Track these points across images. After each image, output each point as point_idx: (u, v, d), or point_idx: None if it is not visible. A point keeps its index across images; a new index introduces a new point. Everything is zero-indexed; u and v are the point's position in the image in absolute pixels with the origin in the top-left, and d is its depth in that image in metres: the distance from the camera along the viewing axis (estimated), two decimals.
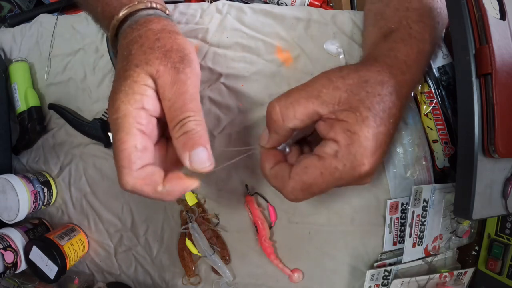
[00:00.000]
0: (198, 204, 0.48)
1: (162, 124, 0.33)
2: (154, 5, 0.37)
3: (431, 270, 0.45)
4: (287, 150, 0.36)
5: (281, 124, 0.32)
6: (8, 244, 0.47)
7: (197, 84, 0.33)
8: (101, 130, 0.48)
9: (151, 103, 0.31)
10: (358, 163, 0.30)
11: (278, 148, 0.35)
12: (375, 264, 0.44)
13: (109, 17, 0.37)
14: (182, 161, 0.30)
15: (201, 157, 0.30)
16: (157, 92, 0.32)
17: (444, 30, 0.42)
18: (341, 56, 0.44)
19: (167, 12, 0.38)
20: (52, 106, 0.51)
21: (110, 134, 0.48)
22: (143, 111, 0.31)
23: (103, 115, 0.49)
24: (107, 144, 0.48)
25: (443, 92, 0.41)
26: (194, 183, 0.31)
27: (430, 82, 0.41)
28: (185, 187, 0.31)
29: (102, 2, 0.38)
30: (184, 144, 0.30)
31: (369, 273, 0.43)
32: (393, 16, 0.37)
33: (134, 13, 0.36)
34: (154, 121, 0.32)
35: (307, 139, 0.38)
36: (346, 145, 0.30)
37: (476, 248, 0.47)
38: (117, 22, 0.36)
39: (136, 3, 0.36)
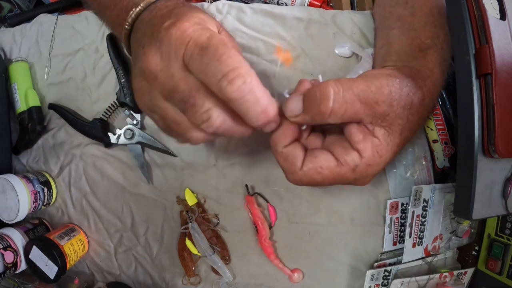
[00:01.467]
0: (198, 204, 0.48)
1: None
2: None
3: (431, 270, 0.45)
4: (304, 127, 0.34)
5: (325, 117, 0.30)
6: (8, 244, 0.47)
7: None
8: (101, 130, 0.48)
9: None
10: (367, 180, 0.32)
11: None
12: (375, 264, 0.44)
13: (127, 8, 0.36)
14: None
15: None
16: None
17: None
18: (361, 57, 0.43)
19: None
20: (52, 106, 0.51)
21: (110, 134, 0.48)
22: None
23: (103, 115, 0.49)
24: (107, 144, 0.48)
25: (443, 92, 0.41)
26: None
27: None
28: None
29: None
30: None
31: (369, 273, 0.43)
32: (423, 30, 0.37)
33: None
34: None
35: None
36: (367, 165, 0.31)
37: (476, 248, 0.47)
38: (141, 10, 0.34)
39: None
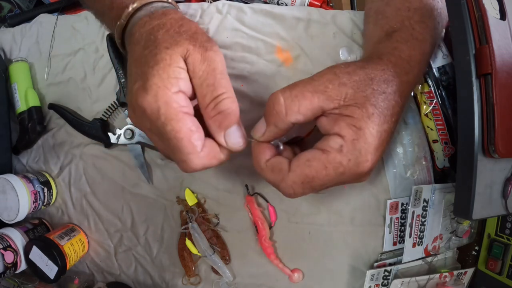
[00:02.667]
0: (198, 204, 0.48)
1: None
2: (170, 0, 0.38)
3: (431, 270, 0.45)
4: (281, 147, 0.34)
5: (283, 118, 0.31)
6: (8, 244, 0.47)
7: (224, 63, 0.33)
8: (101, 130, 0.48)
9: (186, 85, 0.32)
10: (362, 159, 0.30)
11: (271, 143, 0.34)
12: (375, 264, 0.44)
13: (119, 8, 0.37)
14: (217, 139, 0.32)
15: (236, 136, 0.32)
16: (188, 72, 0.32)
17: (444, 30, 0.42)
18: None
19: (179, 9, 0.39)
20: (52, 106, 0.51)
21: (110, 134, 0.48)
22: (181, 94, 0.31)
23: (103, 115, 0.49)
24: (107, 144, 0.48)
25: (443, 92, 0.41)
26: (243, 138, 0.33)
27: (430, 82, 0.41)
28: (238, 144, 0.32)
29: None
30: (220, 123, 0.31)
31: (369, 273, 0.43)
32: (395, 15, 0.37)
33: (149, 4, 0.36)
34: (191, 102, 0.33)
35: (298, 142, 0.38)
36: (352, 140, 0.30)
37: (476, 248, 0.47)
38: (133, 11, 0.36)
39: None
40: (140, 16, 0.36)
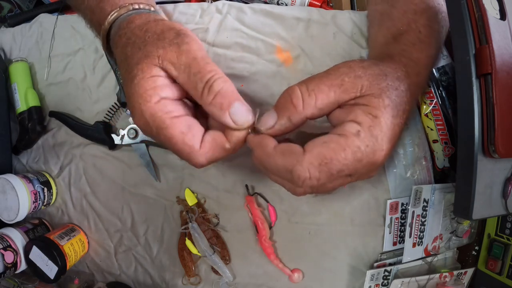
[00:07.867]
0: (198, 204, 0.48)
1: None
2: (136, 6, 0.37)
3: (431, 270, 0.45)
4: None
5: (300, 111, 0.30)
6: (8, 244, 0.47)
7: (203, 50, 0.32)
8: (104, 133, 0.48)
9: (167, 90, 0.31)
10: (378, 147, 0.29)
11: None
12: (375, 264, 0.44)
13: (97, 26, 0.38)
14: (224, 123, 0.31)
15: (242, 111, 0.30)
16: (169, 76, 0.32)
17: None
18: None
19: (152, 8, 0.38)
20: (53, 114, 0.50)
21: (113, 136, 0.48)
22: (164, 101, 0.31)
23: (105, 117, 0.49)
24: (112, 146, 0.48)
25: (443, 92, 0.41)
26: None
27: (430, 82, 0.41)
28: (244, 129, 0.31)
29: (89, 10, 0.39)
30: (221, 105, 0.30)
31: (369, 273, 0.43)
32: (401, 18, 0.37)
33: (119, 17, 0.36)
34: (180, 103, 0.33)
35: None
36: (369, 127, 0.29)
37: (476, 248, 0.47)
38: (105, 32, 0.37)
39: (118, 8, 0.36)
40: (112, 35, 0.36)
